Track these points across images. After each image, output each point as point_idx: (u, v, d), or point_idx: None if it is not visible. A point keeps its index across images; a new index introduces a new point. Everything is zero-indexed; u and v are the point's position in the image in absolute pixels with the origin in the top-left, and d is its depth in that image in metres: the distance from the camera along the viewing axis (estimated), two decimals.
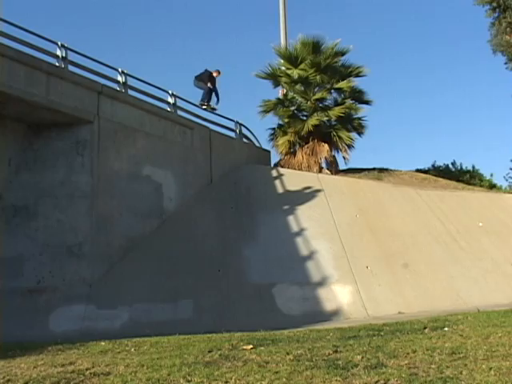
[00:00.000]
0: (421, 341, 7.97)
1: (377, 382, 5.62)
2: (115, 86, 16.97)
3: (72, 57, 15.81)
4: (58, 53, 15.41)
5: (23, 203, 14.98)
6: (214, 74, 22.94)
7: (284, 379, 5.69)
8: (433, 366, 6.29)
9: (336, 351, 7.23)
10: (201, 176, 19.37)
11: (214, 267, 15.79)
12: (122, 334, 10.40)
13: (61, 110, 14.65)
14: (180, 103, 19.52)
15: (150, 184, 16.93)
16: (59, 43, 15.47)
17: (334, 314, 14.48)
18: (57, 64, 15.30)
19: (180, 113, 19.47)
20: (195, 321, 13.62)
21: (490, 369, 6.05)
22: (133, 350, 8.24)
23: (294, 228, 17.69)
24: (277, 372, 5.99)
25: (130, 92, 17.46)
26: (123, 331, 11.83)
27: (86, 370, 6.43)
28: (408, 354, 6.95)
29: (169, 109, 18.93)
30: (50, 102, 14.39)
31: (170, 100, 19.07)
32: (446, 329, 9.38)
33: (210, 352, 7.33)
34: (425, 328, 9.56)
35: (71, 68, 15.71)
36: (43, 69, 14.46)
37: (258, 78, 25.54)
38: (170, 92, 19.11)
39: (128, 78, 17.38)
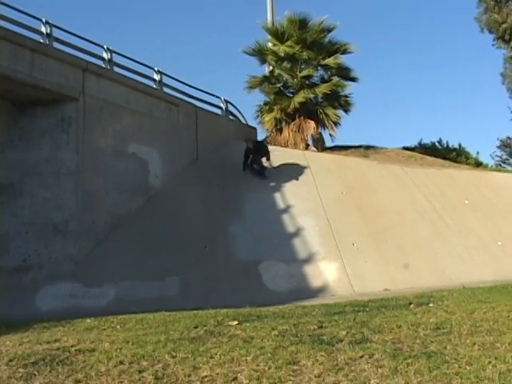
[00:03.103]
0: (406, 316, 8.01)
1: (361, 356, 5.64)
2: (100, 62, 16.87)
3: (57, 33, 15.70)
4: (43, 29, 15.30)
5: (9, 181, 14.90)
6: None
7: (269, 354, 5.71)
8: (417, 341, 6.33)
9: (321, 327, 7.25)
10: (187, 153, 19.34)
11: (201, 244, 15.79)
12: (108, 312, 10.41)
13: (45, 87, 14.54)
14: (166, 80, 19.43)
15: (136, 161, 16.88)
16: (43, 20, 15.34)
17: (320, 290, 14.51)
18: (41, 41, 15.18)
19: (166, 90, 19.38)
20: (181, 298, 13.62)
21: (474, 344, 6.09)
22: (118, 326, 8.25)
23: (281, 205, 17.71)
24: (262, 347, 6.01)
25: (116, 69, 17.37)
26: (109, 309, 11.81)
27: (72, 346, 6.43)
28: (393, 329, 6.98)
29: (154, 86, 18.84)
30: (34, 78, 14.26)
31: (156, 77, 18.96)
32: (430, 305, 9.43)
33: (195, 328, 7.35)
34: (410, 304, 9.60)
35: (56, 45, 15.60)
36: (27, 46, 14.32)
37: (244, 54, 25.45)
38: (156, 69, 19.00)
39: (113, 54, 17.26)
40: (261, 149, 20.17)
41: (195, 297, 13.64)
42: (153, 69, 18.98)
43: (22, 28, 14.78)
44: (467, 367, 5.21)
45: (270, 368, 5.30)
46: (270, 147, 21.97)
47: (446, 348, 5.97)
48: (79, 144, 15.11)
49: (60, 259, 14.43)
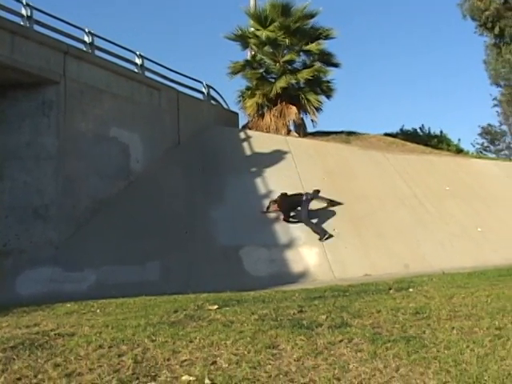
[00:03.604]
0: (385, 301, 8.05)
1: (341, 341, 5.66)
2: (82, 46, 16.72)
3: (37, 16, 15.55)
4: (23, 12, 15.13)
5: None
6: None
7: (248, 338, 5.72)
8: (396, 326, 6.36)
9: (301, 311, 7.27)
10: (168, 137, 19.26)
11: (182, 229, 15.77)
12: (89, 296, 10.38)
13: (26, 69, 14.40)
14: (147, 64, 19.29)
15: (117, 145, 16.80)
16: (24, 2, 15.18)
17: (301, 275, 14.55)
18: (22, 23, 15.02)
19: (147, 74, 19.25)
20: (162, 282, 13.61)
21: (453, 328, 6.14)
22: (98, 311, 8.24)
23: (262, 190, 17.70)
24: (241, 331, 6.02)
25: (97, 53, 17.23)
26: (90, 293, 11.79)
27: (51, 331, 6.41)
28: (372, 313, 7.02)
29: (136, 70, 18.71)
30: (14, 61, 14.12)
31: (138, 61, 18.84)
32: (410, 290, 9.48)
33: (175, 312, 7.34)
34: (390, 289, 9.65)
35: (37, 28, 15.44)
36: (7, 28, 14.17)
37: (227, 39, 25.35)
38: (138, 53, 18.88)
39: (95, 38, 17.11)
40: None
41: (176, 281, 13.63)
42: (134, 53, 18.86)
43: (2, 10, 14.61)
44: (445, 351, 5.25)
45: (249, 352, 5.31)
46: (252, 132, 21.94)
47: (424, 332, 6.01)
48: (60, 128, 15.00)
49: (40, 244, 14.36)
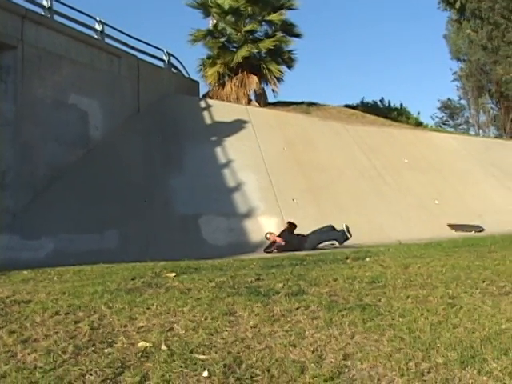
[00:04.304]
0: (342, 270, 8.11)
1: (297, 308, 5.70)
2: (40, 10, 16.39)
3: None
4: None
5: None
6: None
7: (205, 305, 5.73)
8: (352, 294, 6.42)
9: (258, 279, 7.30)
10: (128, 105, 19.07)
11: (140, 197, 15.70)
12: (47, 264, 10.26)
13: None
14: (108, 31, 19.01)
15: (76, 112, 16.56)
16: None
17: (260, 245, 14.59)
18: None
19: (107, 40, 18.99)
20: (120, 251, 13.55)
21: (408, 297, 6.21)
22: (55, 278, 8.16)
23: (222, 159, 17.69)
24: (199, 298, 6.02)
25: (56, 17, 16.89)
26: (47, 261, 11.66)
27: (7, 298, 6.34)
28: (329, 282, 7.06)
29: (96, 36, 18.44)
30: None
31: (98, 27, 18.56)
32: (367, 259, 9.56)
33: (132, 280, 7.31)
34: (347, 258, 9.72)
35: None
36: None
37: (188, 6, 25.16)
38: (98, 19, 18.59)
39: (54, 2, 16.77)
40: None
41: (134, 250, 13.59)
42: (94, 19, 18.57)
43: None
44: (400, 319, 5.32)
45: (206, 319, 5.32)
46: (212, 101, 21.85)
47: (380, 301, 6.08)
48: (17, 94, 14.73)
49: None
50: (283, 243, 13.91)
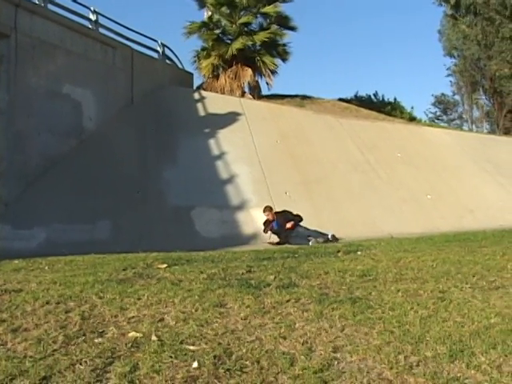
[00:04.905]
0: (333, 263, 8.14)
1: (288, 300, 5.72)
2: None
3: None
4: None
5: None
6: None
7: (196, 297, 5.74)
8: (343, 287, 6.44)
9: (249, 271, 7.32)
10: (122, 96, 19.01)
11: (133, 189, 15.68)
12: (38, 254, 10.27)
13: None
14: (102, 21, 18.94)
15: (70, 103, 16.50)
16: None
17: (252, 237, 14.63)
18: None
19: (102, 30, 18.91)
20: (113, 242, 13.54)
21: (398, 290, 6.24)
22: (46, 268, 8.17)
23: (215, 151, 17.68)
24: (190, 290, 6.04)
25: (50, 6, 16.80)
26: (39, 251, 11.64)
27: None
28: (320, 275, 7.09)
29: (90, 26, 18.37)
30: None
31: (92, 17, 18.47)
32: (358, 253, 9.60)
33: (124, 270, 7.33)
34: (338, 252, 9.75)
35: None
36: None
37: None
38: (92, 8, 18.50)
39: None
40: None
41: (127, 241, 13.58)
42: (89, 8, 18.47)
43: None
44: (390, 312, 5.34)
45: (197, 310, 5.34)
46: (206, 93, 21.82)
47: (370, 294, 6.10)
48: (10, 83, 14.66)
49: None
50: (275, 227, 14.49)
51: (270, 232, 14.52)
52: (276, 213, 14.81)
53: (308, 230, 14.50)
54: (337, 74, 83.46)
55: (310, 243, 13.56)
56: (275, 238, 14.43)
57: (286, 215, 14.75)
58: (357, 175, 18.23)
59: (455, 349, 4.40)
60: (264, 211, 14.83)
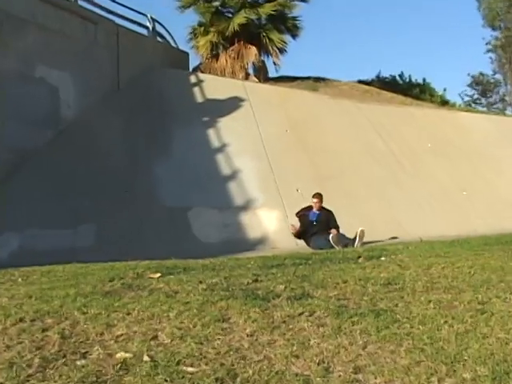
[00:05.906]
0: (353, 270, 8.12)
1: (301, 314, 5.71)
2: None
3: None
4: None
5: None
6: None
7: (195, 310, 5.73)
8: (365, 298, 6.43)
9: (256, 280, 7.31)
10: (106, 80, 19.02)
11: (121, 187, 15.70)
12: (10, 265, 10.28)
13: None
14: None
15: (44, 87, 16.50)
16: None
17: (259, 242, 14.65)
18: None
19: (81, 3, 18.90)
20: (97, 249, 13.56)
21: (429, 302, 6.22)
22: (20, 279, 8.17)
23: (214, 143, 17.69)
24: (187, 302, 6.03)
25: None
26: (11, 261, 11.65)
27: None
28: (338, 284, 7.08)
29: None
30: None
31: None
32: (382, 258, 9.58)
33: (110, 281, 7.32)
34: (359, 257, 9.74)
35: None
36: None
37: None
38: None
39: None
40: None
41: (113, 248, 13.58)
42: None
43: None
44: (420, 327, 5.33)
45: (195, 325, 5.34)
46: (204, 75, 21.82)
47: (397, 306, 6.09)
48: None
49: None
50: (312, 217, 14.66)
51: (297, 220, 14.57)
52: (324, 208, 14.84)
53: (346, 238, 14.42)
54: (356, 51, 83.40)
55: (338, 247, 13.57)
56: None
57: (331, 217, 14.82)
58: (379, 169, 18.21)
59: (498, 370, 4.37)
60: (313, 196, 14.83)
